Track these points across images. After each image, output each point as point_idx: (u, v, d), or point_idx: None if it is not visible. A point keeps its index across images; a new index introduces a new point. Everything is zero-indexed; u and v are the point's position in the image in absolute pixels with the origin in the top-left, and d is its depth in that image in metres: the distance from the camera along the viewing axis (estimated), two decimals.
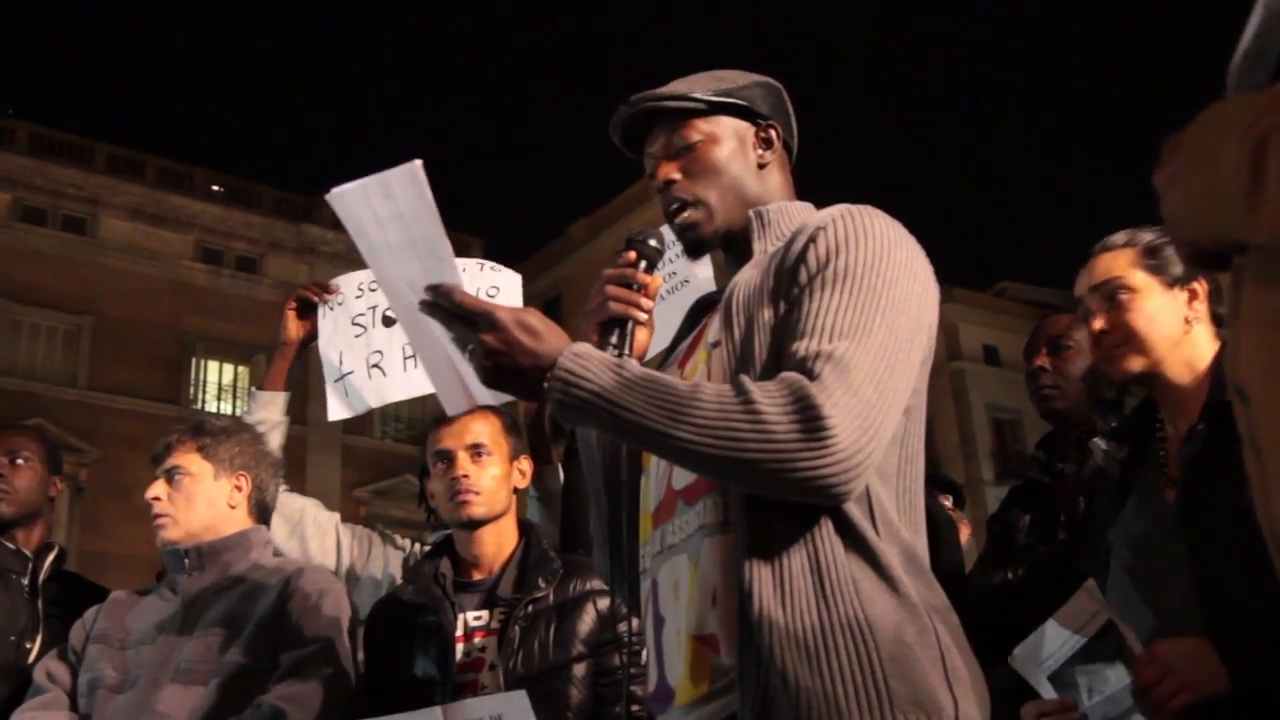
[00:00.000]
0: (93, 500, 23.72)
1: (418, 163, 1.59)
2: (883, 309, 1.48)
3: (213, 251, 27.94)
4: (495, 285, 3.08)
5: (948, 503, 4.56)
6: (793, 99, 1.86)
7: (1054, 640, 2.07)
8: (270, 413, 3.05)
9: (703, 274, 2.88)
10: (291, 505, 3.01)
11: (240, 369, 26.81)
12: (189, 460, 2.68)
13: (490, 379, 1.52)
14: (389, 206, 1.60)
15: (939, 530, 2.69)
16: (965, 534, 4.68)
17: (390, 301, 1.84)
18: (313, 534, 3.00)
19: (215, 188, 28.85)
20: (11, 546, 3.21)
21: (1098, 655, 2.00)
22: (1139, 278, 2.14)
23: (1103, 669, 2.00)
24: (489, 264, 3.15)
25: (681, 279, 2.98)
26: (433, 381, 1.83)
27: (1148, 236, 2.18)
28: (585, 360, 1.45)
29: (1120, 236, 2.21)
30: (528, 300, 2.71)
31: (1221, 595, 1.90)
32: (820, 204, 1.72)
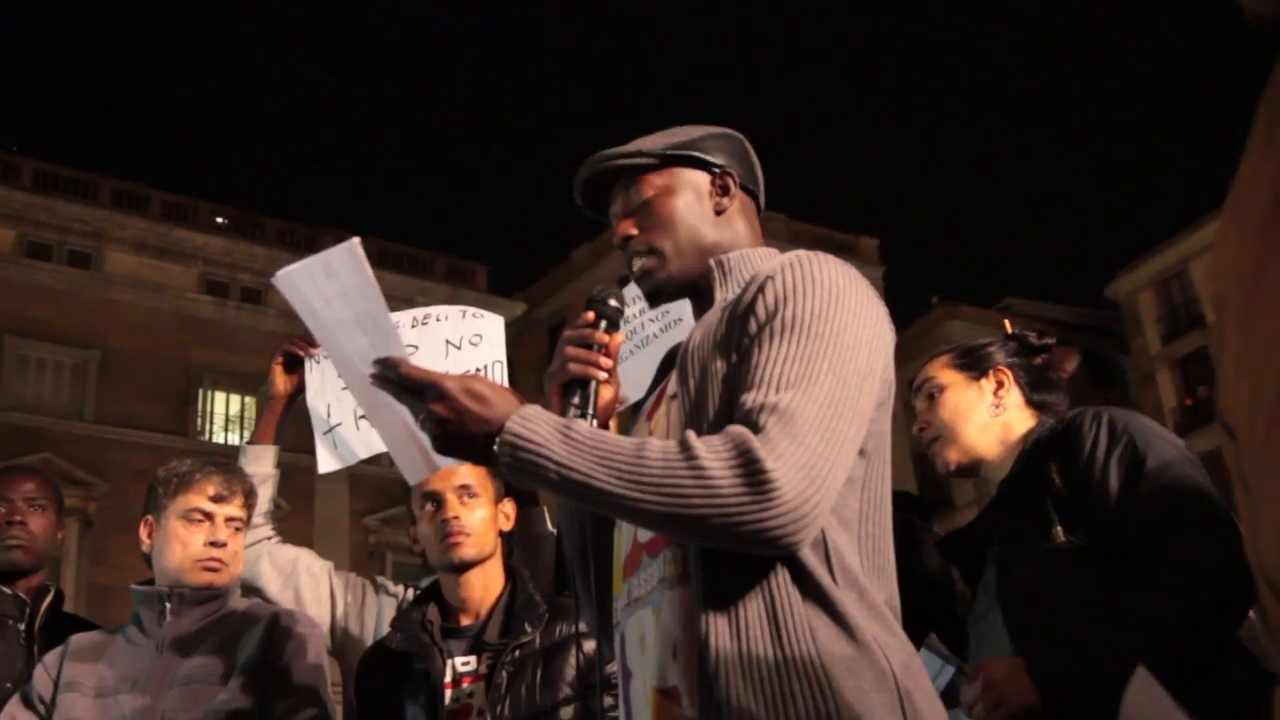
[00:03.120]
0: (101, 533, 23.72)
1: (355, 240, 1.64)
2: (830, 357, 1.49)
3: (218, 283, 28.04)
4: (478, 333, 3.09)
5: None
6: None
7: None
8: (260, 466, 3.04)
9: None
10: (284, 556, 3.01)
11: (247, 399, 26.81)
12: (243, 513, 2.68)
13: (443, 447, 1.54)
14: (332, 284, 1.65)
15: (920, 545, 2.79)
16: None
17: (343, 376, 1.86)
18: (306, 584, 3.00)
19: (219, 220, 28.95)
20: (9, 592, 3.17)
21: (955, 701, 2.17)
22: (948, 375, 2.42)
23: (959, 714, 2.13)
24: (470, 310, 3.16)
25: (674, 318, 2.98)
26: (391, 451, 1.85)
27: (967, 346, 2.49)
28: (532, 423, 1.46)
29: (946, 347, 2.54)
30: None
31: (1026, 626, 2.15)
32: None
